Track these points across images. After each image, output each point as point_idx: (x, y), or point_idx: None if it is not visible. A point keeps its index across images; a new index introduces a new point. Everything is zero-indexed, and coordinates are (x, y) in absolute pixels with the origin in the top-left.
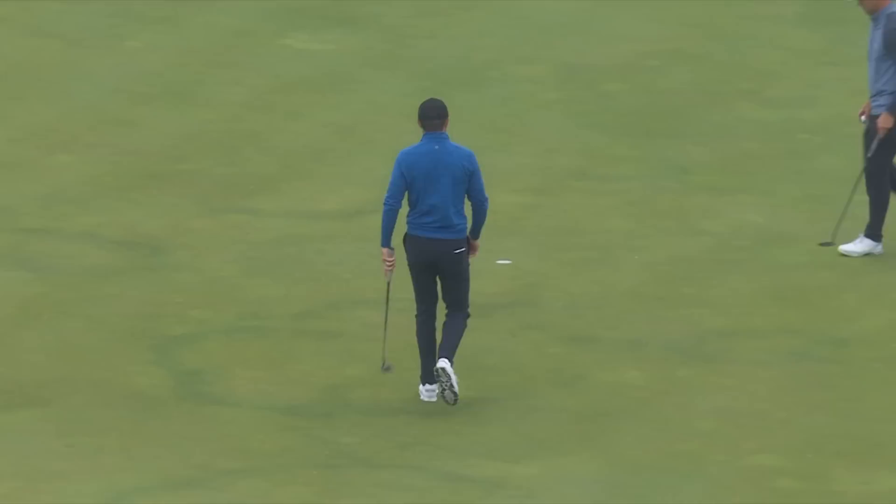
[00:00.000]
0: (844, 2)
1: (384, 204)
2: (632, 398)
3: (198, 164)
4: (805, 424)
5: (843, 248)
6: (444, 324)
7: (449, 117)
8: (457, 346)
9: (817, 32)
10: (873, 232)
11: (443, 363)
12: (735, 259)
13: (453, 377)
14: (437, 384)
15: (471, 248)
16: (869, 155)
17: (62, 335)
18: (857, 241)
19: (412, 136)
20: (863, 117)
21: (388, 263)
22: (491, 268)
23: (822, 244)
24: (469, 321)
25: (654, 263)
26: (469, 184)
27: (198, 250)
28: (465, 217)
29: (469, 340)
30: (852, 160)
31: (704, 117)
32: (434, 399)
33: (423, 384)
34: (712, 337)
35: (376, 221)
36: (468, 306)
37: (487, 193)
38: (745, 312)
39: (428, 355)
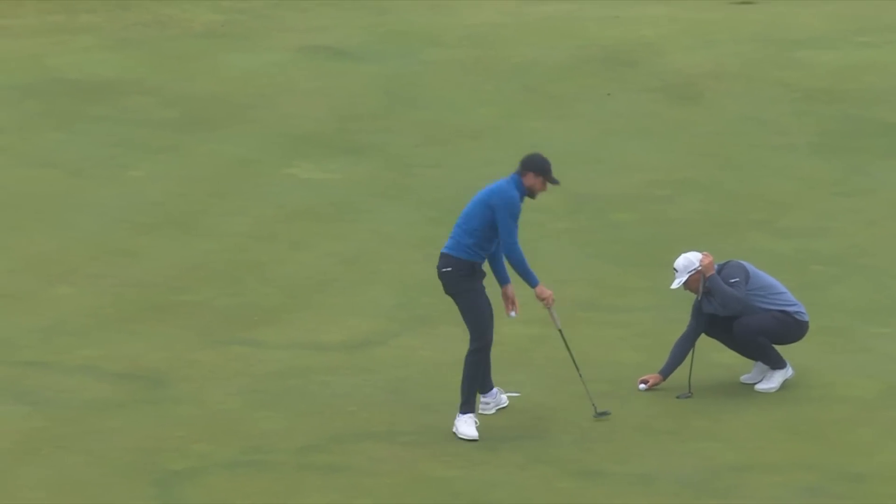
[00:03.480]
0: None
1: None
2: None
3: (200, 296)
4: None
5: (759, 387)
6: None
7: (525, 166)
8: (463, 393)
9: (830, 163)
10: (775, 364)
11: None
12: (747, 392)
13: (457, 431)
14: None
15: (506, 296)
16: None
17: (62, 470)
18: (767, 378)
19: (418, 265)
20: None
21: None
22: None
23: (679, 397)
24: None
25: (664, 396)
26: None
27: (200, 383)
28: (464, 242)
29: (477, 474)
30: (866, 292)
31: (716, 247)
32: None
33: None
34: (725, 472)
35: (382, 353)
36: (475, 341)
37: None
38: (759, 447)
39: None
